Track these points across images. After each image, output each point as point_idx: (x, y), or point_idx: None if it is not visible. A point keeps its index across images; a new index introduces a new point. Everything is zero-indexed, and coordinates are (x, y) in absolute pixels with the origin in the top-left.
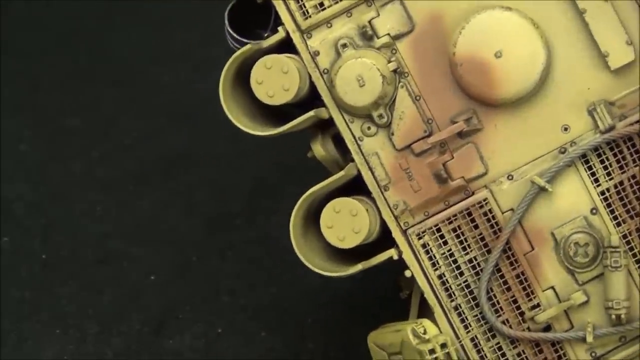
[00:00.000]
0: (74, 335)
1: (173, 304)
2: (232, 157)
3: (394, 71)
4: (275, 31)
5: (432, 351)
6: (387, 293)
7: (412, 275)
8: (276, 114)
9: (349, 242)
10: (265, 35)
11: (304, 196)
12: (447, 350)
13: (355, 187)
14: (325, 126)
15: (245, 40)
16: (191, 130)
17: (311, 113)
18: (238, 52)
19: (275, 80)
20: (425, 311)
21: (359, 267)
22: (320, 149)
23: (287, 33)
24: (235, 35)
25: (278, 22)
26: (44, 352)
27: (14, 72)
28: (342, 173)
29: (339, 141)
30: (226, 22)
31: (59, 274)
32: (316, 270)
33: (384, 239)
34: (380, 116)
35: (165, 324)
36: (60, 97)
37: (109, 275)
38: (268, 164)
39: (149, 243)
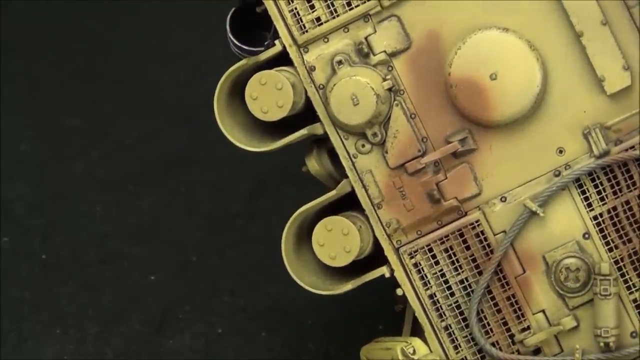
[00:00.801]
0: (74, 335)
1: (173, 304)
2: (232, 158)
3: (389, 89)
4: (278, 35)
5: None
6: (386, 293)
7: (403, 294)
8: (275, 124)
9: (340, 261)
10: (266, 43)
11: (295, 214)
12: None
13: (351, 201)
14: (321, 140)
15: (247, 48)
16: (191, 131)
17: (304, 131)
18: (233, 68)
19: (269, 97)
20: (419, 326)
21: (349, 286)
22: (314, 164)
23: (284, 46)
24: (237, 43)
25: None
26: (44, 352)
27: (14, 72)
28: (333, 192)
29: (334, 155)
30: (228, 28)
31: (59, 274)
32: (307, 287)
33: (377, 254)
34: (375, 134)
35: (165, 324)
36: (60, 97)
37: (109, 275)
38: (268, 164)
39: (149, 243)
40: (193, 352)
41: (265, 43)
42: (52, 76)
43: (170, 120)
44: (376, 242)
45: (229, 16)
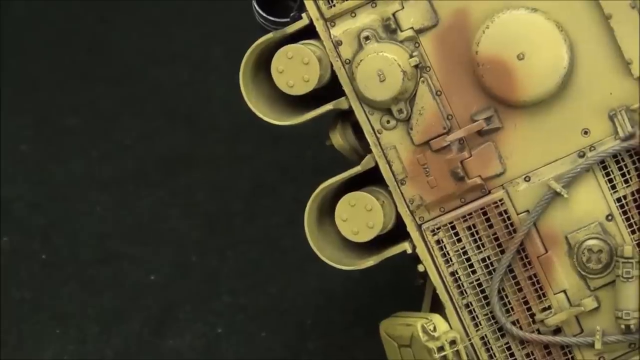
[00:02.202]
0: (74, 335)
1: (173, 304)
2: (232, 158)
3: (416, 66)
4: (303, 6)
5: (440, 349)
6: (386, 293)
7: (425, 270)
8: (297, 97)
9: (363, 236)
10: (292, 14)
11: (319, 188)
12: (456, 348)
13: (373, 177)
14: (345, 114)
15: (272, 19)
16: (191, 131)
17: (329, 106)
18: (260, 41)
19: (295, 71)
20: (438, 303)
21: (370, 262)
22: (339, 138)
23: (311, 20)
24: (263, 13)
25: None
26: (44, 352)
27: (14, 72)
28: (359, 168)
29: (358, 129)
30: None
31: (59, 274)
32: (328, 261)
33: (398, 230)
34: (400, 111)
35: (165, 324)
36: (60, 97)
37: (109, 275)
38: (267, 164)
39: (149, 243)
40: (193, 352)
41: (291, 15)
42: (52, 76)
43: (170, 120)
44: (397, 218)
45: None
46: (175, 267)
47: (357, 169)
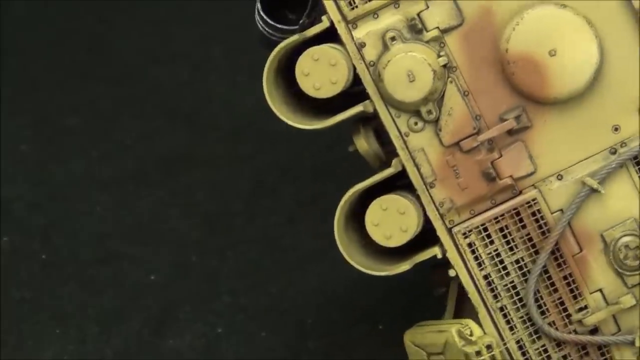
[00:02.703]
0: (74, 335)
1: (173, 304)
2: (232, 158)
3: (444, 66)
4: (310, 16)
5: (478, 353)
6: (386, 293)
7: (456, 275)
8: (310, 102)
9: (396, 240)
10: (301, 21)
11: (348, 193)
12: (492, 352)
13: (392, 183)
14: (366, 119)
15: (281, 27)
16: (191, 131)
17: (360, 107)
18: (283, 43)
19: (322, 73)
20: (461, 310)
21: (406, 266)
22: (364, 143)
23: (332, 23)
24: (268, 20)
25: (315, 6)
26: (44, 352)
27: (14, 72)
28: (391, 170)
29: (379, 134)
30: (258, 5)
31: (59, 274)
32: (360, 268)
33: (422, 234)
34: (429, 112)
35: (165, 324)
36: (60, 97)
37: (109, 275)
38: (267, 164)
39: (149, 243)
40: (193, 352)
41: (300, 22)
42: (52, 76)
43: (170, 120)
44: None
45: None
46: (175, 267)
47: (389, 171)
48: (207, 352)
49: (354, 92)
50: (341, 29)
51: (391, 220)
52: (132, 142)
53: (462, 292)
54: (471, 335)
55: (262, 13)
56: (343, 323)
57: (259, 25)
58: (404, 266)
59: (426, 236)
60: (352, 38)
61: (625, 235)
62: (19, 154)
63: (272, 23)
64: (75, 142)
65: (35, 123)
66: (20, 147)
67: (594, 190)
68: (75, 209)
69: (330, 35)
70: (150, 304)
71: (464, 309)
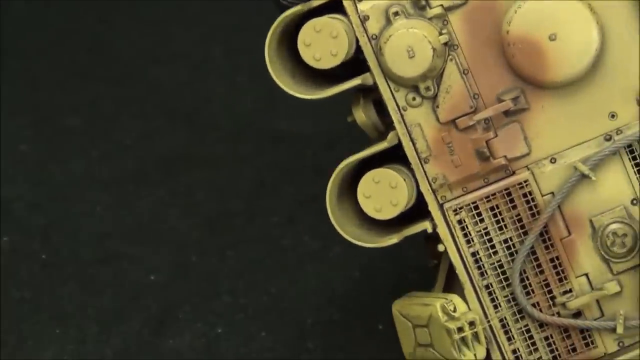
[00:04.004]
0: (74, 335)
1: (173, 304)
2: (232, 158)
3: (445, 44)
4: None
5: (460, 329)
6: (386, 293)
7: (445, 250)
8: (315, 72)
9: (386, 213)
10: None
11: (342, 164)
12: (475, 330)
13: (390, 156)
14: (367, 90)
15: None
16: (191, 131)
17: (357, 80)
18: (287, 12)
19: (323, 44)
20: (451, 284)
21: (394, 239)
22: (361, 114)
23: None
24: None
25: None
26: (44, 352)
27: (14, 72)
28: (385, 144)
29: (379, 106)
30: None
31: (59, 274)
32: (349, 238)
33: (417, 209)
34: (427, 88)
35: (165, 324)
36: (60, 97)
37: (109, 275)
38: (267, 164)
39: (149, 243)
40: (193, 352)
41: None
42: (52, 76)
43: (170, 120)
44: (417, 197)
45: None
46: (175, 267)
47: (383, 144)
48: (207, 352)
49: (359, 60)
50: (346, 1)
51: (382, 193)
52: (132, 142)
53: (452, 268)
54: (454, 311)
55: None
56: (343, 323)
57: None
58: (393, 239)
59: (421, 211)
60: (357, 10)
61: (614, 222)
62: (19, 154)
63: None
64: (75, 142)
65: (35, 123)
66: (20, 147)
67: (585, 176)
68: (75, 209)
69: (336, 8)
70: (150, 304)
71: (453, 284)
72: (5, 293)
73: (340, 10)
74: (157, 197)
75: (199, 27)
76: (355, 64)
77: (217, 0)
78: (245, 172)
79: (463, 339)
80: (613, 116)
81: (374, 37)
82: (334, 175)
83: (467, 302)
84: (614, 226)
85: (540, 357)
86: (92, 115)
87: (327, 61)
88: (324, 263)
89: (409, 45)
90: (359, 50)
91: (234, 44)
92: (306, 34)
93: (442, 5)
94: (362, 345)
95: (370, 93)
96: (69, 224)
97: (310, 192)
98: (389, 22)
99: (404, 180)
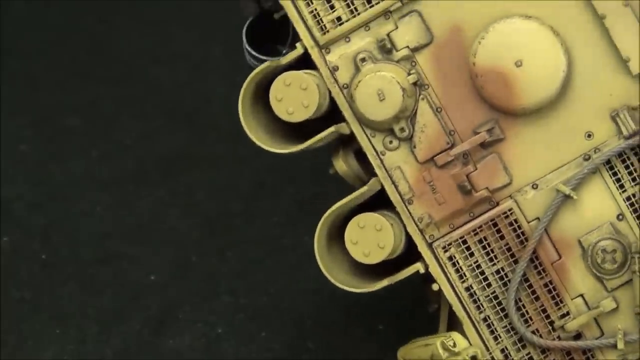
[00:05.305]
0: (74, 335)
1: (173, 304)
2: (232, 158)
3: (414, 84)
4: (293, 46)
5: None
6: (385, 294)
7: (440, 289)
8: (296, 129)
9: (374, 257)
10: (284, 51)
11: (327, 212)
12: None
13: (380, 201)
14: (347, 141)
15: (264, 58)
16: (191, 130)
17: (332, 129)
18: (256, 70)
19: (294, 97)
20: (454, 325)
21: (385, 282)
22: (342, 164)
23: (305, 49)
24: (254, 53)
25: (297, 36)
26: (44, 352)
27: (14, 72)
28: (365, 188)
29: (361, 156)
30: (244, 39)
31: (59, 274)
32: (342, 286)
33: (409, 253)
34: (402, 129)
35: (165, 324)
36: (60, 97)
37: (109, 275)
38: (267, 164)
39: (149, 243)
40: (193, 352)
41: (283, 52)
42: (52, 76)
43: (170, 120)
44: (407, 244)
45: (245, 27)
46: (175, 267)
47: (363, 189)
48: (207, 352)
49: (336, 113)
50: (314, 54)
51: (368, 237)
52: (132, 142)
53: (451, 313)
54: (454, 346)
55: (246, 45)
56: (343, 323)
57: (246, 56)
58: (384, 282)
59: (413, 255)
60: (326, 62)
61: (602, 240)
62: (19, 154)
63: (255, 54)
64: (75, 142)
65: (35, 123)
66: (20, 147)
67: (567, 197)
68: (75, 209)
69: (307, 62)
70: (150, 304)
71: (456, 322)
72: (5, 293)
73: (311, 64)
74: (157, 197)
75: (199, 27)
76: (333, 117)
77: (217, 0)
78: (245, 172)
79: None
80: (589, 136)
81: (345, 86)
82: (320, 225)
83: (467, 338)
84: (602, 243)
85: None
86: (92, 115)
87: (299, 114)
88: None
89: (378, 88)
90: (334, 102)
91: (234, 44)
92: (277, 89)
93: (407, 47)
94: (362, 345)
95: (350, 144)
96: (69, 224)
97: (310, 193)
98: (357, 69)
99: (391, 224)
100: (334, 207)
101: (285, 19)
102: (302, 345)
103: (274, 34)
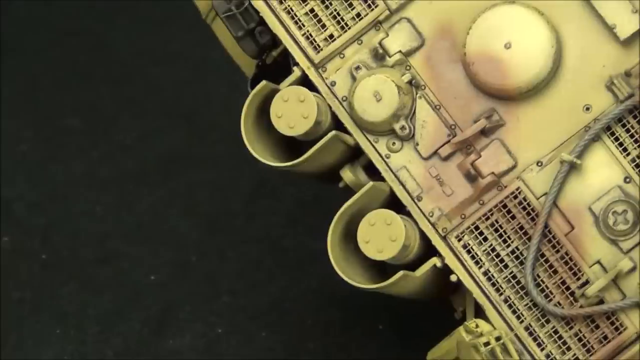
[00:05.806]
0: (74, 335)
1: (173, 304)
2: (232, 157)
3: (410, 82)
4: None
5: (486, 343)
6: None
7: (458, 279)
8: (302, 147)
9: (388, 252)
10: None
11: (337, 215)
12: (502, 342)
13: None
14: (353, 158)
15: None
16: (191, 130)
17: (332, 134)
18: (254, 92)
19: (293, 111)
20: (479, 317)
21: (401, 273)
22: (349, 174)
23: (303, 72)
24: None
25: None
26: (44, 352)
27: (14, 72)
28: (370, 184)
29: (369, 170)
30: (249, 82)
31: (59, 274)
32: (361, 286)
33: (427, 257)
34: (403, 128)
35: (165, 324)
36: (60, 97)
37: (109, 275)
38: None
39: (149, 243)
40: (193, 352)
41: None
42: (52, 76)
43: (170, 120)
44: (425, 246)
45: (249, 81)
46: (175, 267)
47: (369, 185)
48: (207, 352)
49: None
50: (311, 74)
51: (380, 233)
52: (132, 142)
53: (478, 305)
54: (477, 327)
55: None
56: (343, 323)
57: None
58: (400, 274)
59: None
60: (323, 80)
61: (611, 203)
62: (19, 154)
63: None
64: (75, 142)
65: (35, 123)
66: (20, 147)
67: (572, 165)
68: (75, 209)
69: (306, 84)
70: (150, 304)
71: (481, 315)
72: (5, 293)
73: (310, 87)
74: (157, 197)
75: (199, 27)
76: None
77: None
78: (246, 172)
79: (493, 354)
80: (588, 109)
81: (344, 98)
82: (331, 230)
83: (491, 324)
84: (612, 206)
85: (575, 354)
86: (92, 115)
87: (300, 126)
88: (324, 263)
89: (374, 90)
90: (337, 120)
91: None
92: (277, 107)
93: (400, 51)
94: (362, 345)
95: (357, 161)
96: (69, 224)
97: (310, 193)
98: (354, 79)
99: (404, 224)
100: (342, 210)
101: (284, 57)
102: (302, 345)
103: (277, 78)
